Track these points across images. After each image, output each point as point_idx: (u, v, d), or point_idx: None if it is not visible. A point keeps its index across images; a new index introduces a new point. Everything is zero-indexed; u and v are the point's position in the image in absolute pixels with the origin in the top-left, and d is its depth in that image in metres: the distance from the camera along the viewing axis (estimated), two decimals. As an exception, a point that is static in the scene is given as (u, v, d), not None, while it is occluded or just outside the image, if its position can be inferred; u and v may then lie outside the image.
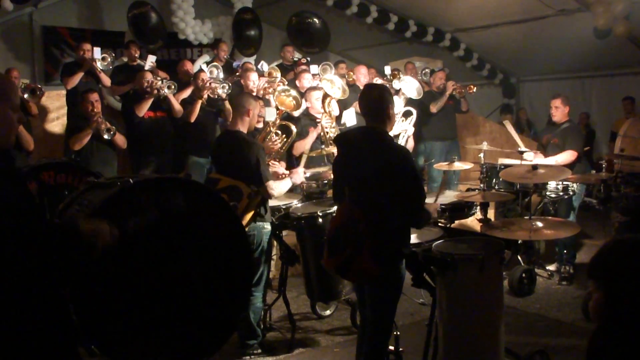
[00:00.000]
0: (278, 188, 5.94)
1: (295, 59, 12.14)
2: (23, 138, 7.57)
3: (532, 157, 7.82)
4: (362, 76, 10.30)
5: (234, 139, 5.92)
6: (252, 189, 5.60)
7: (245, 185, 5.60)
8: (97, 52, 9.28)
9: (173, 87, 8.85)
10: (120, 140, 8.11)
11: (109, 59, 9.37)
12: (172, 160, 9.13)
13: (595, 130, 13.78)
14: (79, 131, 7.86)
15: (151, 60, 10.08)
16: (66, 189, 5.19)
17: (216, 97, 9.03)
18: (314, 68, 10.82)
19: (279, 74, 10.33)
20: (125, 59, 10.55)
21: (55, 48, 13.11)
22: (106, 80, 9.62)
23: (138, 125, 8.69)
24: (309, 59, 12.03)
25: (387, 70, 11.17)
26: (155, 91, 8.61)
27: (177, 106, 8.87)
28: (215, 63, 10.67)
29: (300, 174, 6.40)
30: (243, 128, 5.95)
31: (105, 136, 7.82)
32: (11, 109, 2.96)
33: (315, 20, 13.58)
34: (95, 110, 7.83)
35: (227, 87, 9.13)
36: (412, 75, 10.65)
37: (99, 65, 9.22)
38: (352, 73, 10.79)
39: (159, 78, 9.02)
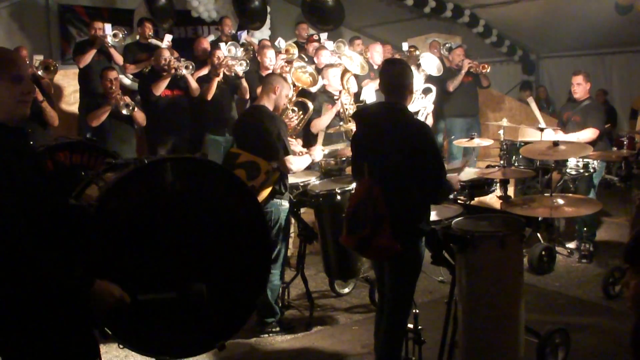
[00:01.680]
0: (297, 163, 5.94)
1: (308, 35, 12.06)
2: (47, 114, 7.58)
3: (553, 135, 7.75)
4: (377, 54, 10.21)
5: (257, 113, 5.93)
6: (271, 166, 5.59)
7: (264, 162, 5.59)
8: (108, 28, 9.31)
9: (191, 67, 8.82)
10: (140, 116, 8.12)
11: (121, 35, 9.38)
12: (189, 138, 9.11)
13: (615, 108, 13.62)
14: (97, 108, 7.87)
15: (168, 39, 10.06)
16: (82, 170, 5.16)
17: (233, 74, 8.98)
18: (329, 44, 10.75)
19: (296, 51, 10.27)
20: (137, 37, 10.49)
21: (72, 26, 13.10)
22: (118, 58, 9.64)
23: (155, 104, 8.67)
24: (320, 35, 11.92)
25: (405, 46, 11.08)
26: (173, 70, 8.57)
27: (194, 85, 8.83)
28: (233, 42, 10.61)
29: (319, 151, 6.38)
30: (268, 104, 5.93)
31: (124, 111, 7.83)
32: (11, 82, 2.86)
33: (330, -4, 13.49)
34: (114, 87, 7.86)
35: (244, 65, 9.08)
36: (434, 53, 10.56)
37: (110, 41, 9.22)
38: (367, 50, 10.74)
39: (176, 57, 9.00)
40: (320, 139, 6.91)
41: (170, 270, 3.77)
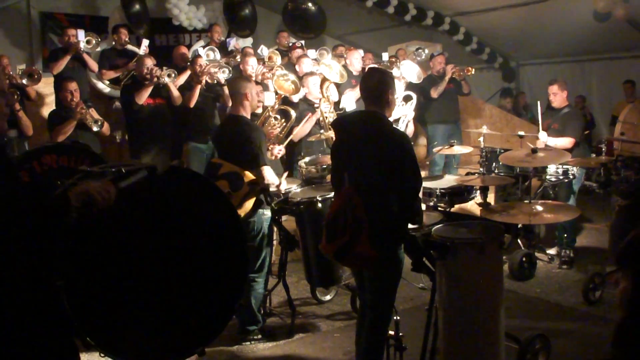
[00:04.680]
0: (271, 177, 5.91)
1: (290, 44, 12.09)
2: (23, 123, 7.55)
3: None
4: (356, 61, 10.23)
5: (237, 124, 5.91)
6: (254, 177, 5.59)
7: (247, 173, 5.59)
8: (81, 34, 9.18)
9: (173, 75, 8.78)
10: (105, 128, 8.05)
11: (94, 42, 9.27)
12: (171, 146, 9.10)
13: (593, 114, 13.74)
14: (61, 122, 7.73)
15: (145, 44, 10.02)
16: (68, 173, 5.15)
17: (215, 82, 8.99)
18: (312, 53, 10.77)
19: (279, 58, 10.30)
20: (113, 43, 10.45)
21: (53, 34, 13.05)
22: (93, 65, 9.58)
23: (137, 113, 8.63)
24: (302, 42, 11.94)
25: (385, 56, 11.14)
26: (155, 79, 8.54)
27: (176, 93, 8.80)
28: (211, 46, 10.63)
29: (283, 182, 6.32)
30: (245, 113, 5.93)
31: (95, 128, 7.74)
32: None
33: (311, 5, 13.49)
34: (74, 99, 7.75)
35: (227, 72, 9.08)
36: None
37: (82, 47, 9.11)
38: (346, 56, 10.80)
39: (162, 69, 9.01)
40: (283, 177, 6.82)
41: (148, 275, 3.77)
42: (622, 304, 2.47)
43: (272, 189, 6.05)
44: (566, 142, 7.82)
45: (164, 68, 8.82)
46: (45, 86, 9.65)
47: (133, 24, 11.59)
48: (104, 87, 10.09)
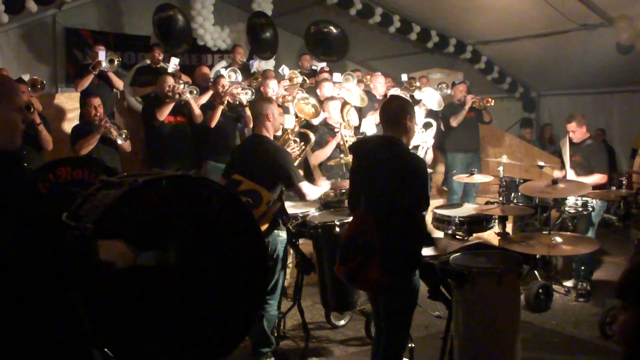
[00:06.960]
0: (312, 192, 6.00)
1: (313, 67, 12.13)
2: (42, 138, 7.62)
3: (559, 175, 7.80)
4: (380, 85, 10.25)
5: (261, 144, 5.95)
6: (272, 196, 5.60)
7: (266, 191, 5.60)
8: (101, 54, 9.24)
9: (195, 92, 8.84)
10: (127, 144, 8.19)
11: (116, 62, 9.32)
12: (190, 165, 9.12)
13: (614, 147, 13.65)
14: (85, 135, 7.85)
15: (174, 62, 10.09)
16: (82, 186, 5.18)
17: (238, 103, 9.02)
18: (337, 76, 10.81)
19: (300, 78, 10.34)
20: (148, 61, 10.56)
21: (78, 50, 13.18)
22: (118, 83, 9.66)
23: (158, 130, 8.69)
24: (326, 66, 11.98)
25: (404, 77, 11.14)
26: (177, 96, 8.60)
27: (197, 111, 8.86)
28: (233, 67, 10.68)
29: (326, 182, 6.39)
30: (269, 133, 5.98)
31: (119, 141, 7.89)
32: (14, 110, 2.94)
33: (333, 29, 13.68)
34: (98, 114, 7.90)
35: (250, 93, 9.12)
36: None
37: (104, 66, 9.19)
38: (369, 77, 10.81)
39: (181, 82, 9.03)
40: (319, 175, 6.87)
41: (168, 287, 3.77)
42: (623, 338, 2.39)
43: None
44: (597, 178, 7.82)
45: (186, 85, 8.87)
46: (68, 101, 9.73)
47: (170, 43, 11.64)
48: (136, 104, 10.14)
